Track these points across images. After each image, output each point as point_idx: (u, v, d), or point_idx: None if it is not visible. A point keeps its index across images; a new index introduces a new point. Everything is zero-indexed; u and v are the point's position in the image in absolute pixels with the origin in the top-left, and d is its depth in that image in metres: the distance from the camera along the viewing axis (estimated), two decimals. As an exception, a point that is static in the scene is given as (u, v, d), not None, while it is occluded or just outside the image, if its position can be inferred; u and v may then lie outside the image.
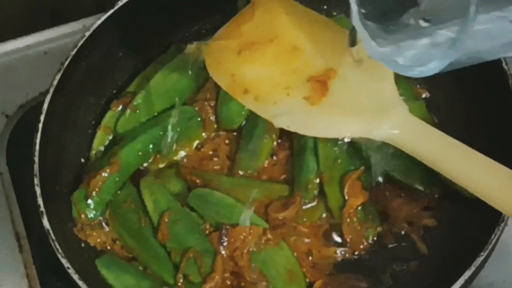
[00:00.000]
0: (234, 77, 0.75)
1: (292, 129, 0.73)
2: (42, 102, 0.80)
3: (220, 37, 0.79)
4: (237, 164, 0.85)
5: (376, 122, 0.72)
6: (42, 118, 0.80)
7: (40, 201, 0.76)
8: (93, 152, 0.87)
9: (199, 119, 0.86)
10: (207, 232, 0.81)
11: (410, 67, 0.58)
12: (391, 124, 0.72)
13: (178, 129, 0.85)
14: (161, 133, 0.85)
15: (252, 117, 0.84)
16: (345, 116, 0.73)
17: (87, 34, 0.84)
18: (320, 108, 0.72)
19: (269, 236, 0.79)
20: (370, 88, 0.73)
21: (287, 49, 0.75)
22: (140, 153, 0.85)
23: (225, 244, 0.78)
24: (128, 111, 0.87)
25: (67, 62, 0.82)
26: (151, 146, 0.85)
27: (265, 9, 0.78)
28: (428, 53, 0.57)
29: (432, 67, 0.56)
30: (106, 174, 0.82)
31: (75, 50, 0.83)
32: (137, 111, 0.87)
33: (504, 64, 0.79)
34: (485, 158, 0.69)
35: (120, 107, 0.88)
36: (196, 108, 0.86)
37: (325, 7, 0.92)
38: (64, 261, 0.74)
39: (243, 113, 0.86)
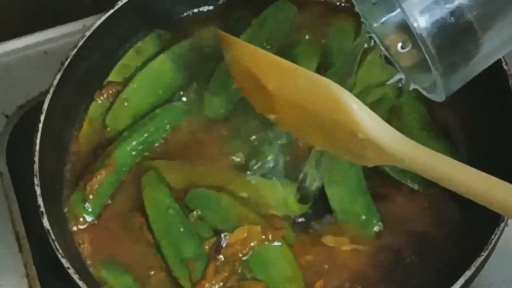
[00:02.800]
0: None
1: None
2: (42, 102, 0.80)
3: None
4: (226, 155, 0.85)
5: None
6: (42, 118, 0.80)
7: (40, 201, 0.76)
8: (80, 142, 0.86)
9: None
10: (206, 236, 0.80)
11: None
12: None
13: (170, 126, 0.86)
14: (153, 129, 0.85)
15: (241, 110, 0.85)
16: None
17: (87, 34, 0.84)
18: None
19: (270, 236, 0.79)
20: None
21: None
22: (133, 153, 0.85)
23: (223, 249, 0.78)
24: (116, 104, 0.87)
25: (67, 62, 0.82)
26: (144, 144, 0.85)
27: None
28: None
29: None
30: (102, 176, 0.82)
31: (75, 50, 0.83)
32: (125, 104, 0.87)
33: (504, 64, 0.79)
34: (480, 173, 0.66)
35: (105, 95, 0.88)
36: (184, 99, 0.87)
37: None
38: (64, 261, 0.74)
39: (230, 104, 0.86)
